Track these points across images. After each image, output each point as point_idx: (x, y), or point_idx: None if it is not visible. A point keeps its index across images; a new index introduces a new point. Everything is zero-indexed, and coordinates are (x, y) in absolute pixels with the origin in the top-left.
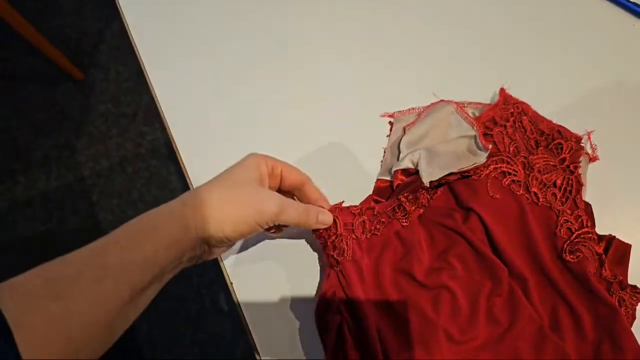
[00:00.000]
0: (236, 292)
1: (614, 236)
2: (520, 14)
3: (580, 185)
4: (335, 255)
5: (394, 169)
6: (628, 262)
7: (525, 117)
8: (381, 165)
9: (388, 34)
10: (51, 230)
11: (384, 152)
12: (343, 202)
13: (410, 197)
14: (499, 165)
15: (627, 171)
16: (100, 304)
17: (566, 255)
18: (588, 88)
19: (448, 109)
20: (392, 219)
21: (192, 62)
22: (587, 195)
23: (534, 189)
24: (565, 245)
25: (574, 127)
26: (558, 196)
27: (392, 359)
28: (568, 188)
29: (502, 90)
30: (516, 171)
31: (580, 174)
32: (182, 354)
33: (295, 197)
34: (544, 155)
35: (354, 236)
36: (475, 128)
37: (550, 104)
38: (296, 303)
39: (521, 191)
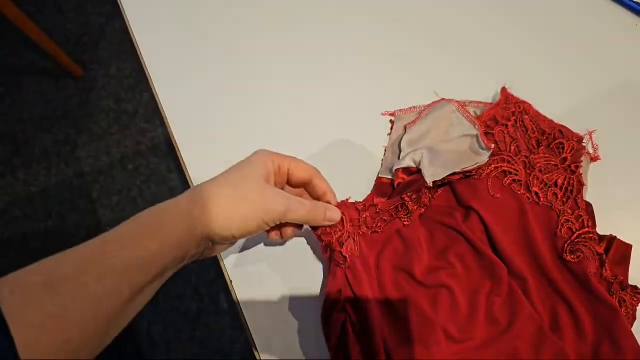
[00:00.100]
0: (235, 291)
1: (615, 236)
2: (522, 13)
3: (581, 184)
4: (343, 252)
5: (395, 167)
6: (629, 262)
7: (526, 116)
8: (382, 164)
9: (389, 32)
10: (51, 227)
11: (385, 150)
12: (349, 198)
13: (414, 196)
14: (500, 165)
15: (629, 171)
16: (100, 302)
17: (566, 255)
18: (590, 87)
19: (449, 107)
20: (394, 218)
21: (193, 59)
22: (588, 195)
23: (535, 189)
24: (565, 245)
25: (576, 126)
26: (559, 196)
27: (392, 358)
28: (569, 187)
29: (503, 89)
30: (517, 170)
31: (581, 174)
32: (181, 351)
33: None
34: (545, 154)
35: (360, 232)
36: (476, 127)
37: (551, 103)
38: (295, 302)
39: (522, 190)
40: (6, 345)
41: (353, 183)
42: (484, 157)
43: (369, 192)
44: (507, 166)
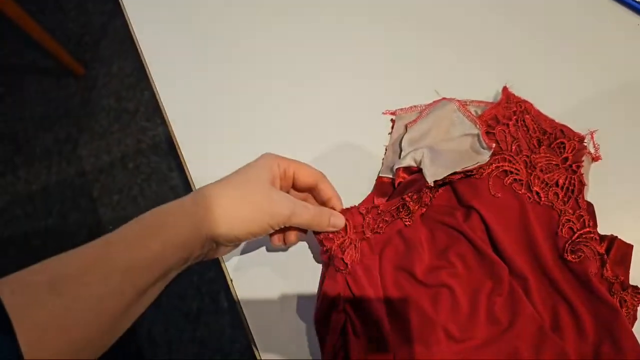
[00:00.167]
0: (236, 290)
1: (616, 236)
2: (523, 13)
3: (582, 184)
4: (344, 259)
5: (396, 166)
6: (630, 262)
7: (527, 116)
8: (382, 163)
9: (390, 32)
10: (52, 225)
11: (386, 149)
12: (354, 206)
13: (415, 196)
14: (501, 164)
15: (630, 171)
16: (103, 303)
17: (567, 255)
18: (591, 87)
19: (450, 107)
20: (396, 218)
21: (194, 58)
22: (589, 195)
23: (536, 188)
24: (566, 245)
25: (577, 126)
26: (560, 195)
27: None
28: (570, 187)
29: (505, 88)
30: (518, 170)
31: (582, 174)
32: (182, 352)
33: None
34: (547, 154)
35: (364, 238)
36: (478, 126)
37: (552, 103)
38: (295, 301)
39: (523, 190)
40: (10, 344)
41: (354, 182)
42: (485, 156)
43: (370, 191)
44: (508, 166)
